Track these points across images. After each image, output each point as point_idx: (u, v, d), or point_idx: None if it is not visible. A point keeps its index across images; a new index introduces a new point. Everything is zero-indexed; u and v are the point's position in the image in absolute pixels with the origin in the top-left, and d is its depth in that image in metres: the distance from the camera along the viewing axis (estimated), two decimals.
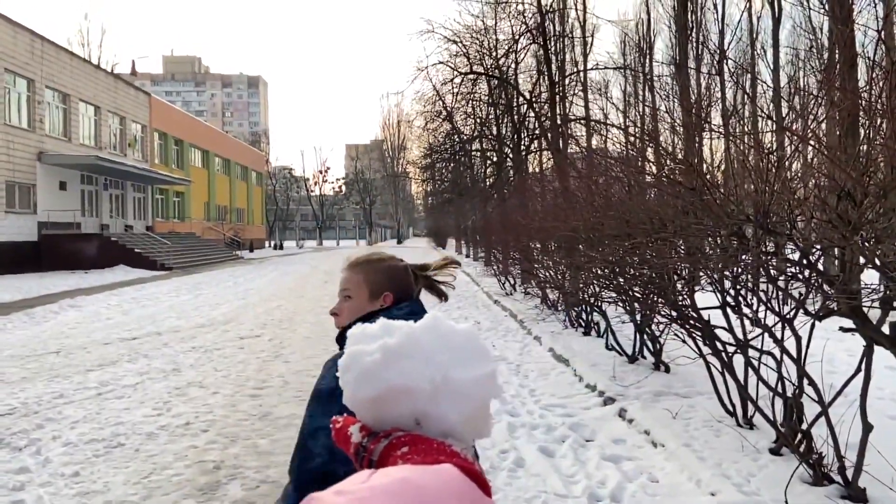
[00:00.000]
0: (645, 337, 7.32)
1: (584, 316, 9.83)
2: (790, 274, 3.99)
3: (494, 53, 21.67)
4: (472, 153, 28.67)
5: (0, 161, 24.69)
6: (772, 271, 4.13)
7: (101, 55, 52.63)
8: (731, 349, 4.90)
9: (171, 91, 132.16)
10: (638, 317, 7.19)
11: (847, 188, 3.17)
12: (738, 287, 4.77)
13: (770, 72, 19.72)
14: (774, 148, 4.36)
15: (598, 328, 9.38)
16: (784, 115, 7.79)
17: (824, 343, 4.68)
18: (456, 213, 39.55)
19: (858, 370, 3.67)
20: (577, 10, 21.84)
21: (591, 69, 22.72)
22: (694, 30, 20.98)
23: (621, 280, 6.75)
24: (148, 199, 37.77)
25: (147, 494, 4.30)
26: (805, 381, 4.05)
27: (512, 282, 16.52)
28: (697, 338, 5.32)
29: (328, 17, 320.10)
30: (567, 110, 19.90)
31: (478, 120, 25.62)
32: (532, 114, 21.34)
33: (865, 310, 3.56)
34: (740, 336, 4.76)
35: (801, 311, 3.95)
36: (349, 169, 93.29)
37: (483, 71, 21.73)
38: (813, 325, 4.04)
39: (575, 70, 21.90)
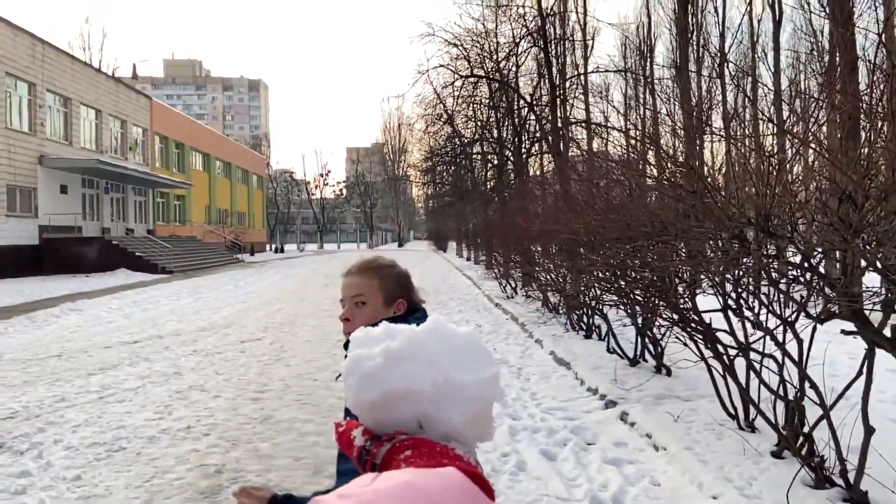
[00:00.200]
0: (646, 340, 7.31)
1: (585, 319, 9.83)
2: (791, 277, 3.99)
3: (495, 56, 21.71)
4: (473, 156, 28.68)
5: (1, 165, 24.73)
6: (773, 274, 4.12)
7: (103, 59, 52.70)
8: (732, 352, 4.89)
9: (172, 94, 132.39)
10: (639, 320, 7.19)
11: (848, 191, 3.17)
12: (740, 290, 4.76)
13: (771, 75, 19.72)
14: (775, 151, 4.36)
15: (599, 331, 9.37)
16: (785, 118, 7.80)
17: (826, 346, 4.68)
18: (457, 216, 39.56)
19: (860, 373, 3.67)
20: (577, 13, 21.89)
21: (592, 72, 22.79)
22: (695, 33, 21.01)
23: (622, 283, 6.74)
24: (149, 203, 37.81)
25: (149, 498, 4.30)
26: (807, 384, 4.05)
27: (513, 285, 16.51)
28: (699, 341, 5.31)
29: (329, 20, 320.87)
30: (568, 113, 19.91)
31: (478, 123, 25.63)
32: (533, 117, 21.35)
33: (867, 313, 3.56)
34: (742, 339, 4.75)
35: (803, 313, 3.95)
36: (350, 172, 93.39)
37: (484, 74, 21.74)
38: (814, 328, 4.03)
39: (576, 73, 21.91)
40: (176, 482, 4.57)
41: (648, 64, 26.84)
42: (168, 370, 8.21)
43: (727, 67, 19.11)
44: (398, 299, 1.69)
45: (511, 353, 9.08)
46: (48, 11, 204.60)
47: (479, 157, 28.56)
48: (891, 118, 2.98)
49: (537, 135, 22.00)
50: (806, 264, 3.67)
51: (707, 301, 5.36)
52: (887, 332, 3.46)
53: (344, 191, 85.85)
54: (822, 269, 3.77)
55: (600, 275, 7.40)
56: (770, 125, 6.41)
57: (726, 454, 4.55)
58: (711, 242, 4.83)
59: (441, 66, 21.95)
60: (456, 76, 21.53)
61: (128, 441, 5.43)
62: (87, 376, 7.93)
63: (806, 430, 4.10)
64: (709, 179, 4.45)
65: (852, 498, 3.70)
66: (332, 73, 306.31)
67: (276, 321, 12.94)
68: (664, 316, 5.80)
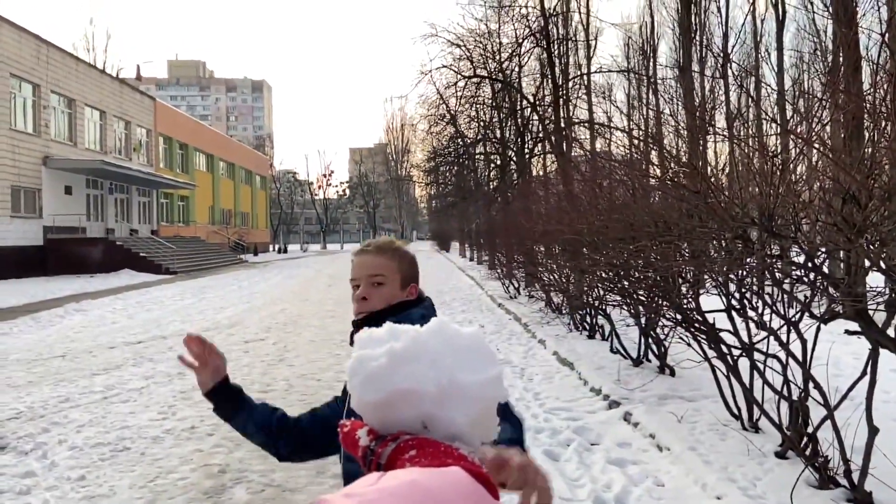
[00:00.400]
0: (650, 340, 7.31)
1: (588, 319, 9.82)
2: (795, 277, 3.98)
3: (498, 57, 21.69)
4: (476, 156, 28.68)
5: (6, 166, 24.81)
6: (777, 274, 4.12)
7: (107, 60, 52.81)
8: (736, 352, 4.89)
9: (176, 95, 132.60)
10: (643, 320, 7.18)
11: (852, 191, 3.17)
12: (744, 290, 4.76)
13: (774, 75, 19.71)
14: (779, 151, 4.36)
15: (602, 331, 9.36)
16: (788, 118, 7.79)
17: (830, 346, 4.66)
18: (460, 216, 39.57)
19: (864, 373, 3.66)
20: (580, 13, 21.83)
21: (595, 72, 22.77)
22: (698, 33, 21.00)
23: (626, 283, 6.74)
24: (153, 203, 37.89)
25: (153, 498, 4.31)
26: (810, 385, 4.05)
27: (516, 285, 16.50)
28: (702, 341, 5.31)
29: (332, 21, 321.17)
30: (570, 113, 19.90)
31: (481, 123, 25.63)
32: (535, 117, 21.33)
33: (871, 313, 3.55)
34: (745, 339, 4.75)
35: (807, 314, 3.94)
36: (353, 172, 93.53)
37: (486, 74, 21.74)
38: (818, 329, 4.03)
39: (578, 73, 21.90)
40: (180, 482, 4.58)
41: (651, 64, 26.86)
42: (172, 370, 8.23)
43: (730, 67, 19.08)
44: (411, 283, 1.69)
45: (514, 353, 9.08)
46: (52, 13, 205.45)
47: (482, 157, 28.56)
48: (894, 118, 2.98)
49: (540, 135, 21.99)
50: (810, 264, 3.67)
51: (711, 301, 5.36)
52: (891, 332, 3.45)
53: (347, 191, 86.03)
54: (825, 269, 3.77)
55: (603, 275, 7.40)
56: (773, 125, 6.40)
57: (730, 454, 4.54)
58: (715, 242, 4.83)
59: (444, 66, 21.98)
60: (459, 77, 21.56)
61: (132, 441, 5.45)
62: (91, 376, 7.96)
63: (810, 430, 4.10)
64: (712, 179, 4.45)
65: (856, 498, 3.69)
66: (336, 73, 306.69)
67: (279, 321, 12.96)
68: (668, 316, 5.80)
